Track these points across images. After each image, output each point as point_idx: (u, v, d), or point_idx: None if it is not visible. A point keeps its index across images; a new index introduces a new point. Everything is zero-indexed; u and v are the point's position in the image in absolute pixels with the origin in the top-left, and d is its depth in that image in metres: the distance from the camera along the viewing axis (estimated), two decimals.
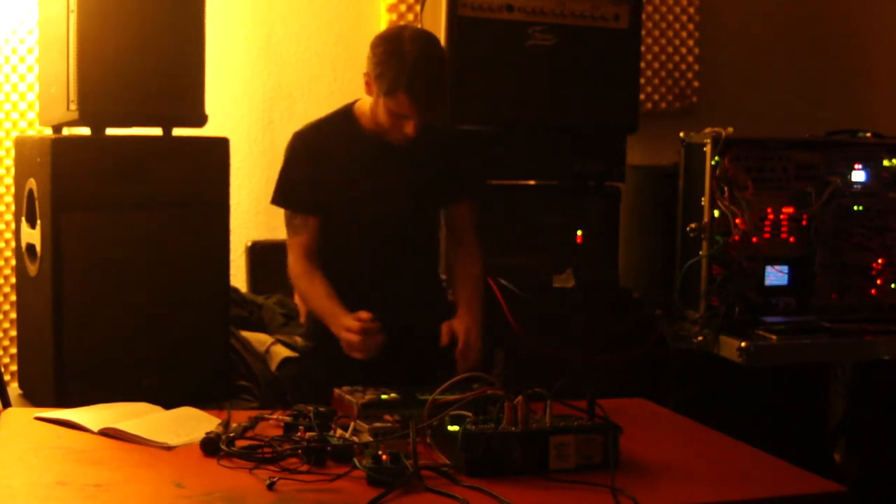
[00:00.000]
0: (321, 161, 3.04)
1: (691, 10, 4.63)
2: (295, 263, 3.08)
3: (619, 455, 2.36)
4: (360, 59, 4.23)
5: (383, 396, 2.62)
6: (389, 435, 2.39)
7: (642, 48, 4.25)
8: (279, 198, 3.12)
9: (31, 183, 3.17)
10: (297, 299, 3.41)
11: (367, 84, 2.98)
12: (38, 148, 3.13)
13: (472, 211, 3.21)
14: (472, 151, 3.26)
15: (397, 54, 2.89)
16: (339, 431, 2.47)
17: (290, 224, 3.10)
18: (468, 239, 3.20)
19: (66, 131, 3.29)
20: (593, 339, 3.55)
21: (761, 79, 4.77)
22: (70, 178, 3.07)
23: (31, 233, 3.19)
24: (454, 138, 3.24)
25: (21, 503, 2.11)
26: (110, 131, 3.18)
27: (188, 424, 2.56)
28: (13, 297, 3.63)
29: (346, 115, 3.10)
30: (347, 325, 2.88)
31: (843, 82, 4.87)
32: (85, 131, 3.19)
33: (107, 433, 2.49)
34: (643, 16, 4.07)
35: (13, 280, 3.58)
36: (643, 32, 4.27)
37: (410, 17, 4.17)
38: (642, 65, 4.36)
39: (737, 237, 3.45)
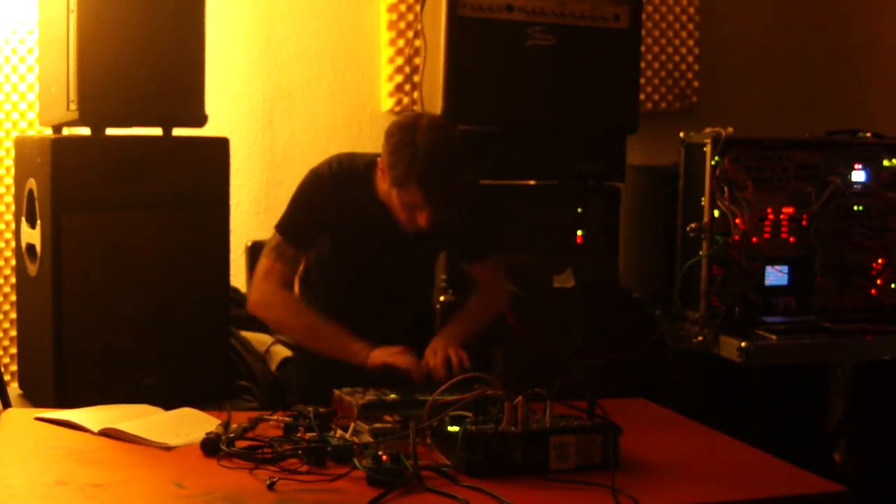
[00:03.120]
0: (335, 214, 2.97)
1: (691, 10, 4.62)
2: (273, 292, 2.96)
3: (619, 455, 2.36)
4: (360, 59, 4.29)
5: (383, 397, 2.62)
6: (389, 435, 2.40)
7: (642, 48, 4.25)
8: (285, 231, 3.00)
9: (31, 183, 3.17)
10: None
11: (381, 170, 2.86)
12: (38, 148, 3.13)
13: (497, 263, 3.16)
14: (488, 212, 3.13)
15: (410, 146, 2.76)
16: (339, 432, 2.47)
17: (276, 250, 2.97)
18: (488, 286, 3.17)
19: (66, 131, 3.29)
20: (593, 339, 3.55)
21: (761, 79, 4.77)
22: (70, 178, 3.08)
23: (31, 233, 3.19)
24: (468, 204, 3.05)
25: (21, 503, 2.11)
26: (110, 131, 3.19)
27: (188, 425, 2.56)
28: (13, 297, 3.62)
29: (367, 175, 2.96)
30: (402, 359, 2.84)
31: (843, 82, 4.87)
32: (85, 131, 3.19)
33: (107, 433, 2.50)
34: (643, 16, 4.06)
35: (13, 280, 3.58)
36: (643, 32, 4.27)
37: (410, 17, 4.16)
38: (642, 65, 4.36)
39: (737, 237, 3.45)
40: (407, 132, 2.80)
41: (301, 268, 3.09)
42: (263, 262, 3.00)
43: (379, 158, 2.89)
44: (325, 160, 3.08)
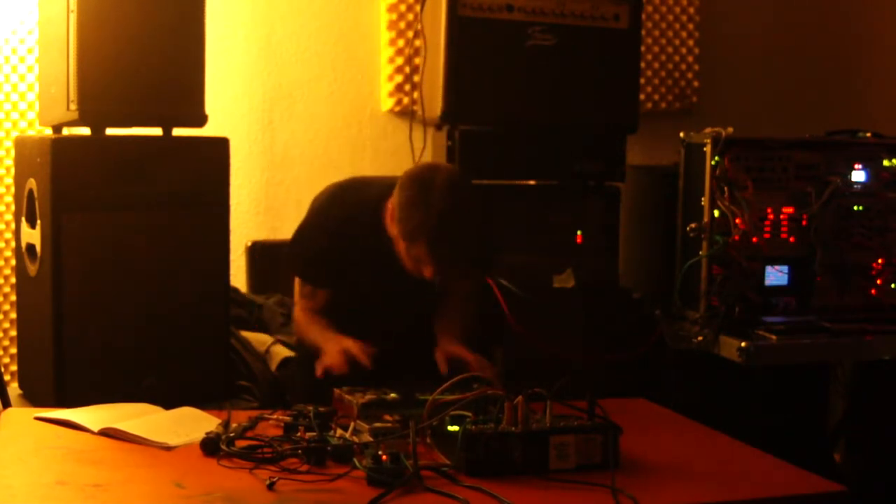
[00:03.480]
0: (343, 250, 2.99)
1: (691, 10, 4.63)
2: (299, 321, 3.15)
3: (619, 455, 2.36)
4: (360, 59, 4.29)
5: (383, 397, 2.62)
6: (389, 435, 2.40)
7: (642, 48, 4.25)
8: (298, 268, 3.11)
9: (31, 183, 3.17)
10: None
11: (390, 215, 2.84)
12: (38, 148, 3.13)
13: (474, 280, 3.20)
14: (487, 226, 3.13)
15: (423, 206, 2.73)
16: (339, 431, 2.47)
17: (301, 289, 3.11)
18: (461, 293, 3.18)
19: (66, 131, 3.29)
20: (593, 339, 3.55)
21: (761, 79, 4.77)
22: (70, 178, 3.08)
23: (31, 233, 3.19)
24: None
25: (21, 503, 2.11)
26: (110, 131, 3.18)
27: (188, 424, 2.56)
28: (13, 297, 3.62)
29: (377, 208, 2.92)
30: (345, 347, 2.88)
31: (843, 82, 4.87)
32: (85, 131, 3.19)
33: (107, 433, 2.50)
34: (643, 16, 4.06)
35: (13, 280, 3.58)
36: (643, 32, 4.27)
37: (410, 17, 4.17)
38: (642, 65, 4.36)
39: (737, 237, 3.45)
40: (421, 189, 2.76)
41: None
42: (296, 297, 3.14)
43: (390, 201, 2.85)
44: (331, 193, 3.07)
